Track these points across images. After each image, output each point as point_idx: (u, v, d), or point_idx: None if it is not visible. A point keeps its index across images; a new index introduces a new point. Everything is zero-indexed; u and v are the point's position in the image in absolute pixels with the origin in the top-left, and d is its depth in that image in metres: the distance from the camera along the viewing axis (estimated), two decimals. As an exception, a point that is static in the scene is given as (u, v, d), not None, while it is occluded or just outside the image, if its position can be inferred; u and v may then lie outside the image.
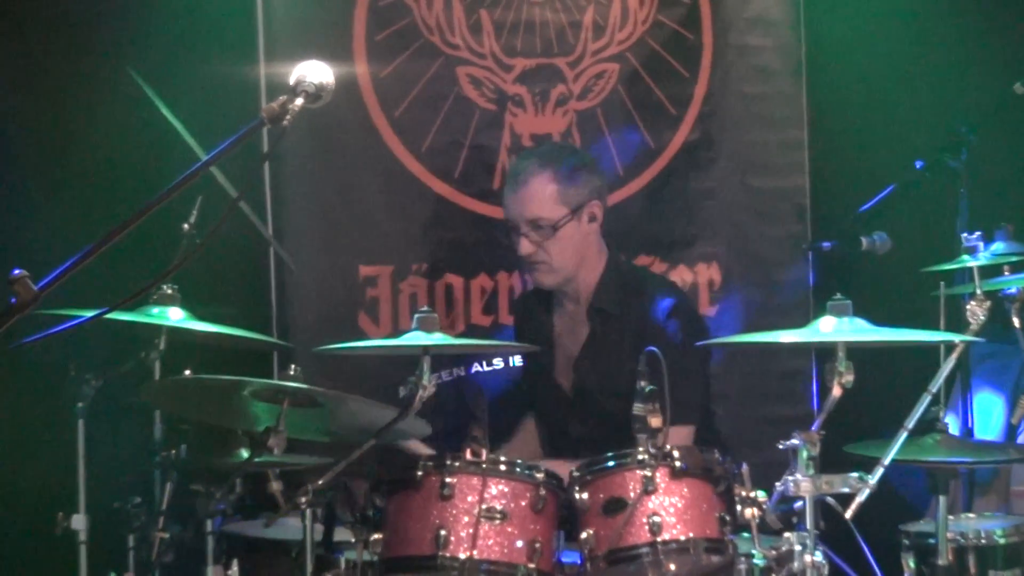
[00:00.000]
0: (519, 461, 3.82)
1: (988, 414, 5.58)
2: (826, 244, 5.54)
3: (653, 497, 3.72)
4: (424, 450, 4.40)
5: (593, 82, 5.56)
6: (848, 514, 3.73)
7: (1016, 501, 5.41)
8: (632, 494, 3.72)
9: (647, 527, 3.69)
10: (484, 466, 3.74)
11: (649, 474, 3.72)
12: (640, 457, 3.74)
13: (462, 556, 3.67)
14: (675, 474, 3.74)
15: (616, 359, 4.66)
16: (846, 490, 3.71)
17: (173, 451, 4.49)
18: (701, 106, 5.69)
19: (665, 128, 5.66)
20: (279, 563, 4.14)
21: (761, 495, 3.77)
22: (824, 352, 3.83)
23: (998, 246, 4.78)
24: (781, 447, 3.72)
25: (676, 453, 3.75)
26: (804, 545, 3.69)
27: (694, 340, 4.53)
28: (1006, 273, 4.73)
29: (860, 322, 3.75)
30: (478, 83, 5.47)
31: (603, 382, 4.71)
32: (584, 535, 3.74)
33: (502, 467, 3.76)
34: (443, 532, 3.68)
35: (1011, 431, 5.23)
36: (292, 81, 3.00)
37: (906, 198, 5.36)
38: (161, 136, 4.67)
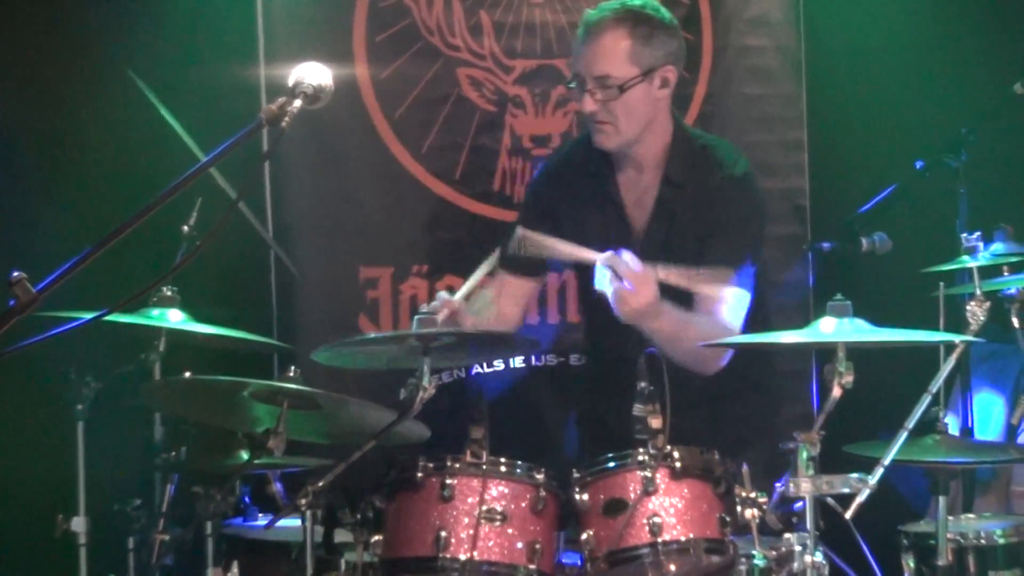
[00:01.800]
0: (519, 463, 3.82)
1: (988, 414, 5.58)
2: (826, 245, 5.54)
3: (653, 498, 3.72)
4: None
5: (593, 83, 5.55)
6: (848, 514, 3.73)
7: (1016, 501, 5.41)
8: (632, 495, 3.72)
9: (647, 528, 3.69)
10: (484, 468, 3.74)
11: (649, 475, 3.72)
12: (640, 458, 3.75)
13: (462, 557, 3.68)
14: (675, 475, 3.74)
15: (681, 232, 4.51)
16: (846, 490, 3.70)
17: (173, 453, 4.49)
18: (701, 107, 5.68)
19: (665, 129, 5.65)
20: (279, 565, 4.14)
21: (761, 496, 3.78)
22: (824, 353, 3.83)
23: (998, 246, 4.78)
24: (781, 448, 3.72)
25: (676, 454, 3.75)
26: (804, 545, 3.69)
27: (752, 215, 4.50)
28: (1006, 273, 4.74)
29: (860, 323, 3.75)
30: (478, 84, 5.47)
31: (669, 258, 4.29)
32: (584, 536, 3.74)
33: (502, 468, 3.77)
34: (443, 533, 3.68)
35: (1011, 431, 5.23)
36: (291, 83, 3.00)
37: (906, 199, 5.36)
38: (161, 137, 4.67)
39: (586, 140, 4.65)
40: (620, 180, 4.62)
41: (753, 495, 3.77)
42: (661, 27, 4.47)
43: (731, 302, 4.32)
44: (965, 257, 4.62)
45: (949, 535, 4.09)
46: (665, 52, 4.47)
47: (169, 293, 4.32)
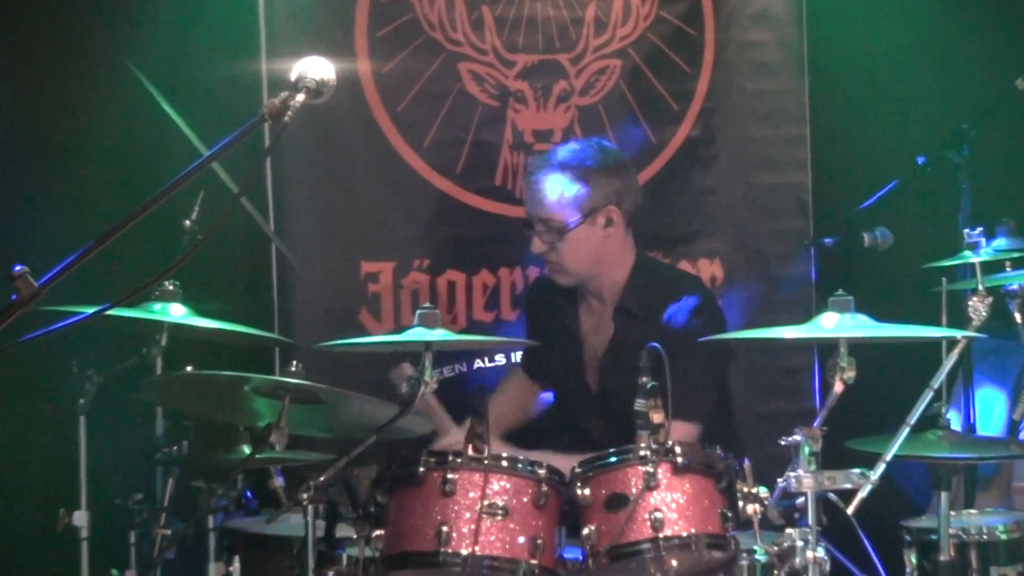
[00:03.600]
0: (521, 457, 3.82)
1: (990, 410, 5.58)
2: (828, 240, 5.54)
3: (655, 493, 3.72)
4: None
5: (595, 78, 5.56)
6: (850, 510, 3.73)
7: (1018, 497, 5.41)
8: (634, 490, 3.72)
9: (649, 523, 3.69)
10: (486, 462, 3.74)
11: (651, 470, 3.71)
12: (642, 453, 3.74)
13: (464, 552, 3.67)
14: (677, 470, 3.74)
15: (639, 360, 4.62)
16: (848, 486, 3.70)
17: (175, 447, 4.50)
18: (703, 102, 5.69)
19: (667, 124, 5.66)
20: (281, 559, 4.13)
21: (763, 491, 3.78)
22: (826, 348, 3.83)
23: (1000, 242, 4.78)
24: (783, 443, 3.72)
25: (678, 449, 3.75)
26: (806, 541, 3.69)
27: (706, 360, 4.51)
28: (1008, 269, 4.73)
29: (862, 318, 3.75)
30: (480, 79, 5.46)
31: (627, 383, 4.60)
32: (586, 531, 3.74)
33: (504, 463, 3.76)
34: (445, 528, 3.67)
35: (1013, 427, 5.22)
36: (293, 77, 3.00)
37: (908, 194, 5.36)
38: (163, 132, 4.67)
39: None
40: (581, 311, 4.84)
41: (755, 490, 3.77)
42: (603, 170, 4.64)
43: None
44: (967, 252, 4.61)
45: (951, 531, 4.09)
46: (606, 193, 4.64)
47: (171, 287, 4.32)
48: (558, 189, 4.61)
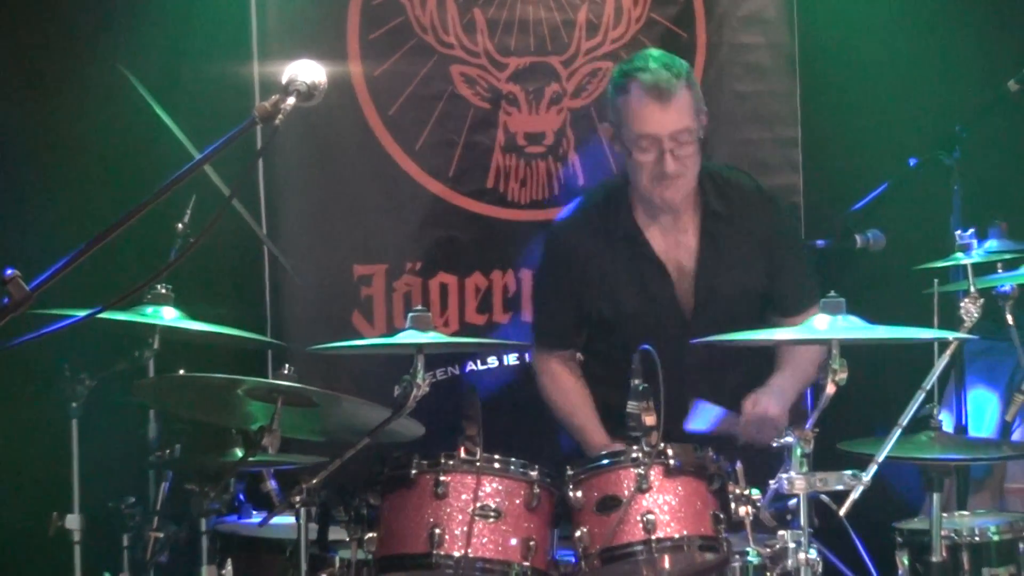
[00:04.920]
0: (513, 459, 3.82)
1: (982, 411, 5.58)
2: (820, 242, 5.53)
3: (647, 495, 3.72)
4: None
5: (587, 80, 5.56)
6: (842, 511, 3.73)
7: (1010, 498, 5.41)
8: (626, 492, 3.72)
9: (641, 525, 3.69)
10: (478, 464, 3.74)
11: (643, 472, 3.72)
12: (634, 455, 3.75)
13: (456, 554, 3.68)
14: (669, 472, 3.74)
15: (739, 259, 4.73)
16: (840, 487, 3.70)
17: (167, 450, 4.50)
18: (695, 104, 5.69)
19: (659, 126, 5.66)
20: (273, 562, 4.13)
21: (755, 493, 3.78)
22: (818, 350, 3.83)
23: (992, 243, 4.78)
24: (775, 445, 3.72)
25: (670, 451, 3.75)
26: (798, 543, 3.69)
27: (797, 232, 4.73)
28: (1000, 270, 4.73)
29: (854, 320, 3.75)
30: (472, 81, 5.46)
31: (733, 287, 4.73)
32: (578, 533, 3.74)
33: (496, 465, 3.77)
34: (437, 530, 3.68)
35: (1005, 428, 5.21)
36: (284, 80, 3.00)
37: (900, 196, 5.36)
38: (154, 135, 4.67)
39: (608, 195, 4.82)
40: (650, 234, 4.74)
41: (747, 492, 3.78)
42: (691, 71, 4.72)
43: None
44: (959, 254, 4.61)
45: (943, 532, 4.09)
46: (700, 97, 4.68)
47: (163, 290, 4.32)
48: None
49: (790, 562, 3.70)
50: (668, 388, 3.75)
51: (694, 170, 4.64)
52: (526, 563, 3.70)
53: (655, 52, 4.74)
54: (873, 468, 3.77)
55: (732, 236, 4.73)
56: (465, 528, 3.69)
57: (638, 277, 4.75)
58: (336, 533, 3.90)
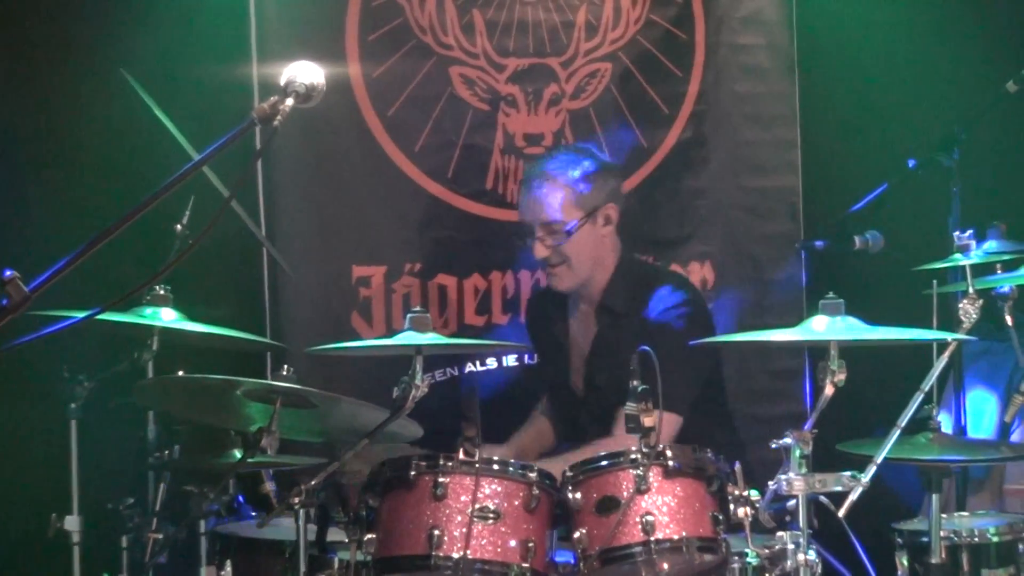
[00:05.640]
0: (512, 461, 3.82)
1: (981, 412, 5.58)
2: (819, 243, 5.54)
3: (646, 496, 3.72)
4: None
5: (586, 81, 5.57)
6: (841, 512, 3.73)
7: (1009, 499, 5.41)
8: (625, 493, 3.72)
9: (640, 526, 3.69)
10: (477, 466, 3.74)
11: (642, 473, 3.72)
12: (633, 456, 3.74)
13: (455, 556, 3.67)
14: (668, 473, 3.74)
15: (624, 358, 4.63)
16: (839, 489, 3.70)
17: (166, 452, 4.50)
18: (694, 105, 5.69)
19: (658, 127, 5.67)
20: (272, 563, 4.13)
21: (754, 494, 3.78)
22: (817, 351, 3.83)
23: (990, 244, 4.78)
24: (774, 446, 3.72)
25: (669, 452, 3.75)
26: (797, 544, 3.69)
27: (696, 333, 4.51)
28: (999, 271, 4.73)
29: (853, 321, 3.75)
30: (471, 83, 5.47)
31: (612, 381, 4.69)
32: (577, 534, 3.74)
33: (495, 467, 3.76)
34: (436, 532, 3.67)
35: (1004, 429, 5.22)
36: (282, 82, 3.01)
37: (899, 197, 5.36)
38: (153, 136, 4.66)
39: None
40: (571, 318, 4.92)
41: (746, 493, 3.77)
42: (600, 170, 4.76)
43: None
44: (958, 255, 4.61)
45: (942, 533, 4.09)
46: (606, 192, 4.74)
47: (162, 292, 4.32)
48: (559, 193, 4.66)
49: (789, 563, 3.70)
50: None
51: (579, 263, 4.72)
52: (525, 564, 3.70)
53: (566, 150, 4.90)
54: (872, 469, 3.77)
55: (625, 330, 4.73)
56: (464, 529, 3.69)
57: (552, 357, 5.01)
58: (335, 534, 3.90)
